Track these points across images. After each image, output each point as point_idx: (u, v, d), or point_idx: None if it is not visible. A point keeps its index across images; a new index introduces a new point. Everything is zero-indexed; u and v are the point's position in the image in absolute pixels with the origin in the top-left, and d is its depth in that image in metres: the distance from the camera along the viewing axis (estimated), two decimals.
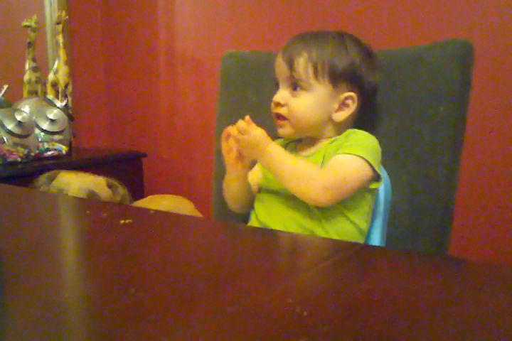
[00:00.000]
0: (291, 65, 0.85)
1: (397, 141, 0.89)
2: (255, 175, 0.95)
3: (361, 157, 0.79)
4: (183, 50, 2.04)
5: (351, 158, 0.80)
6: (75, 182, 1.36)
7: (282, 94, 0.86)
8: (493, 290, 0.46)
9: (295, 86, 0.85)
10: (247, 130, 0.80)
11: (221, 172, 1.09)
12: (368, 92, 0.88)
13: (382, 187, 0.87)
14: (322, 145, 0.88)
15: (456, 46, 0.85)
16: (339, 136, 0.87)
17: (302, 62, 0.84)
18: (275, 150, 0.81)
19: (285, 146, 0.92)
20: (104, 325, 0.39)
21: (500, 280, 0.49)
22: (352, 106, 0.86)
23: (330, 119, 0.86)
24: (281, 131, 0.89)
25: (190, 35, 2.00)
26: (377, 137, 0.91)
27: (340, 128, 0.88)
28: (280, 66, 0.87)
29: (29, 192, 0.96)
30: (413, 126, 0.88)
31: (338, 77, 0.84)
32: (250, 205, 0.94)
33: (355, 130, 0.87)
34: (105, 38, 2.27)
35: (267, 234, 0.70)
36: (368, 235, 0.87)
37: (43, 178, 1.39)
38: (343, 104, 0.86)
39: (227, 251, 0.59)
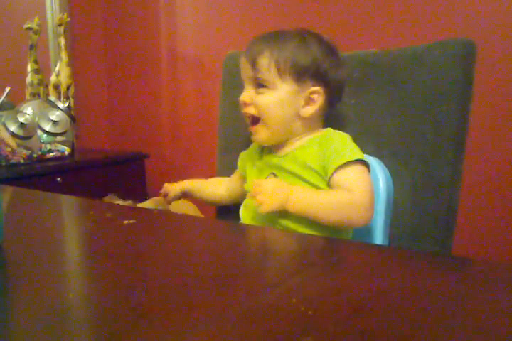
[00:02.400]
0: (253, 65, 0.86)
1: (400, 141, 0.89)
2: (235, 182, 1.02)
3: (357, 159, 0.81)
4: (185, 51, 2.04)
5: (355, 167, 0.81)
6: None
7: (248, 93, 0.88)
8: (497, 289, 0.46)
9: (259, 85, 0.86)
10: (261, 184, 0.80)
11: (223, 173, 1.09)
12: (334, 88, 0.88)
13: (384, 186, 0.87)
14: (298, 144, 0.88)
15: (458, 45, 0.85)
16: (315, 136, 0.87)
17: (265, 62, 0.85)
18: (299, 192, 0.80)
19: (261, 150, 0.93)
20: (109, 326, 0.39)
21: (504, 279, 0.49)
22: (318, 100, 0.86)
23: (297, 116, 0.87)
24: (256, 138, 0.90)
25: (192, 36, 2.01)
26: (379, 137, 0.91)
27: (310, 124, 0.88)
28: (244, 67, 0.89)
29: (32, 193, 0.96)
30: (415, 126, 0.88)
31: (302, 74, 0.85)
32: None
33: (330, 130, 0.88)
34: (107, 40, 2.27)
35: (270, 233, 0.70)
36: (371, 234, 0.87)
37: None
38: (310, 99, 0.86)
39: (231, 251, 0.60)
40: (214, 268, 0.52)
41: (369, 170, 0.83)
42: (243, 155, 1.00)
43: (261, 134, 0.88)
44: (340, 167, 0.80)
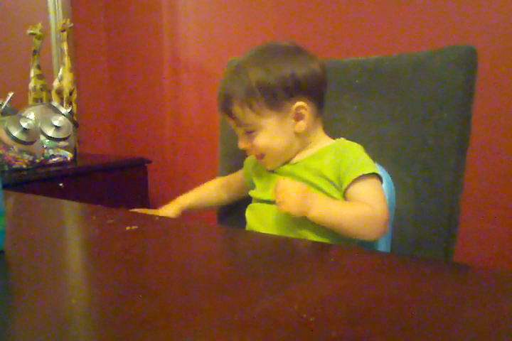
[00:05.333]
0: (230, 115, 0.86)
1: (402, 147, 0.89)
2: (234, 179, 1.03)
3: (371, 173, 0.81)
4: (187, 57, 2.05)
5: (371, 180, 0.81)
6: None
7: (243, 141, 0.88)
8: (498, 296, 0.46)
9: (247, 130, 0.86)
10: (286, 183, 0.80)
11: None
12: (317, 89, 0.87)
13: (386, 192, 0.87)
14: (308, 153, 0.88)
15: (459, 52, 0.85)
16: (328, 146, 0.87)
17: (237, 109, 0.84)
18: (323, 200, 0.80)
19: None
20: (111, 331, 0.39)
21: (504, 286, 0.49)
22: (307, 113, 0.85)
23: (295, 135, 0.87)
24: (265, 166, 0.91)
25: (194, 43, 2.02)
26: (381, 142, 0.91)
27: (310, 135, 0.88)
28: (224, 117, 0.90)
29: (35, 198, 0.97)
30: (417, 132, 0.88)
31: (277, 100, 0.83)
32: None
33: (343, 140, 0.88)
34: (110, 45, 2.28)
35: (272, 239, 0.70)
36: (372, 241, 0.87)
37: None
38: (298, 115, 0.85)
39: (232, 258, 0.60)
40: (215, 275, 0.52)
41: (382, 183, 0.83)
42: (248, 162, 1.00)
43: (269, 164, 0.90)
44: (357, 179, 0.80)
